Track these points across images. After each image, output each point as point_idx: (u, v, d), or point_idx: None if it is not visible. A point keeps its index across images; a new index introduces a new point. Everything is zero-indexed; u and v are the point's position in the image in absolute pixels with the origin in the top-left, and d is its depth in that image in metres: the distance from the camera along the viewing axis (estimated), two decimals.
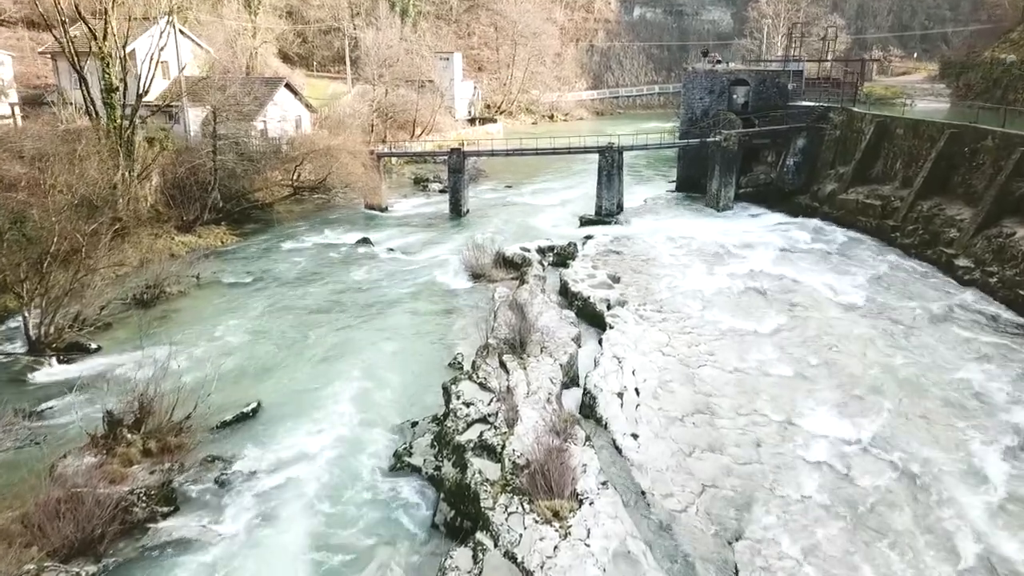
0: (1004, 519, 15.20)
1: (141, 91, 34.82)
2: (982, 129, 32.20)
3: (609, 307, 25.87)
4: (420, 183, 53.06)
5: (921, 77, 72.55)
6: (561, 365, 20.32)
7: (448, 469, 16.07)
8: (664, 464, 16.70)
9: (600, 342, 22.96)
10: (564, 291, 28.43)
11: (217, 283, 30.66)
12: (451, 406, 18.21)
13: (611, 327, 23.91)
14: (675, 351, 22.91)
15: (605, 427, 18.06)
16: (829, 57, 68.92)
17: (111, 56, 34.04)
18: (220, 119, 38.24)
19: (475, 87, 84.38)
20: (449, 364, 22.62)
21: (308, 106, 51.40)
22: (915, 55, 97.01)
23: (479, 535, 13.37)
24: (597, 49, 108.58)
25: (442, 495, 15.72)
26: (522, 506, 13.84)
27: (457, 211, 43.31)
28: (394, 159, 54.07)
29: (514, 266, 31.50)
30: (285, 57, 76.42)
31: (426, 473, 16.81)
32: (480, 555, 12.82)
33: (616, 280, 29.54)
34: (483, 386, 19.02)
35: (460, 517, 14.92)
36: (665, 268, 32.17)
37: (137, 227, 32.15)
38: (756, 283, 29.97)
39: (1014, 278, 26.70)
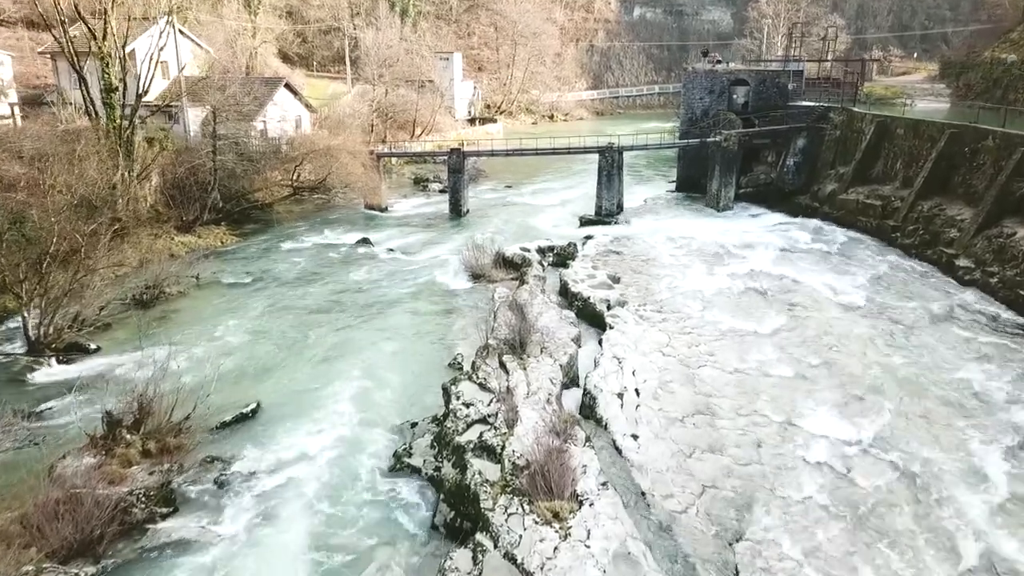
0: (1004, 519, 15.18)
1: (141, 91, 34.80)
2: (982, 129, 32.18)
3: (609, 307, 25.84)
4: (420, 183, 53.04)
5: (921, 77, 72.54)
6: (561, 365, 20.29)
7: (448, 470, 16.05)
8: (664, 465, 16.68)
9: (600, 342, 22.94)
10: (564, 291, 28.40)
11: (217, 283, 30.63)
12: (451, 407, 18.18)
13: (611, 327, 23.88)
14: (675, 351, 22.88)
15: (605, 428, 18.02)
16: (829, 57, 68.92)
17: (111, 56, 34.01)
18: (220, 119, 38.21)
19: (475, 87, 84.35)
20: (449, 364, 22.60)
21: (308, 106, 51.38)
22: (915, 55, 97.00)
23: (479, 536, 13.34)
24: (597, 49, 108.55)
25: (442, 496, 15.71)
26: (522, 507, 13.81)
27: (457, 211, 43.29)
28: (394, 159, 54.05)
29: (514, 266, 31.47)
30: (285, 57, 76.38)
31: (426, 474, 16.79)
32: (480, 556, 12.79)
33: (616, 280, 29.52)
34: (483, 387, 19.00)
35: (460, 518, 14.91)
36: (665, 268, 32.15)
37: (137, 227, 32.13)
38: (756, 283, 29.95)
39: (1014, 278, 26.67)
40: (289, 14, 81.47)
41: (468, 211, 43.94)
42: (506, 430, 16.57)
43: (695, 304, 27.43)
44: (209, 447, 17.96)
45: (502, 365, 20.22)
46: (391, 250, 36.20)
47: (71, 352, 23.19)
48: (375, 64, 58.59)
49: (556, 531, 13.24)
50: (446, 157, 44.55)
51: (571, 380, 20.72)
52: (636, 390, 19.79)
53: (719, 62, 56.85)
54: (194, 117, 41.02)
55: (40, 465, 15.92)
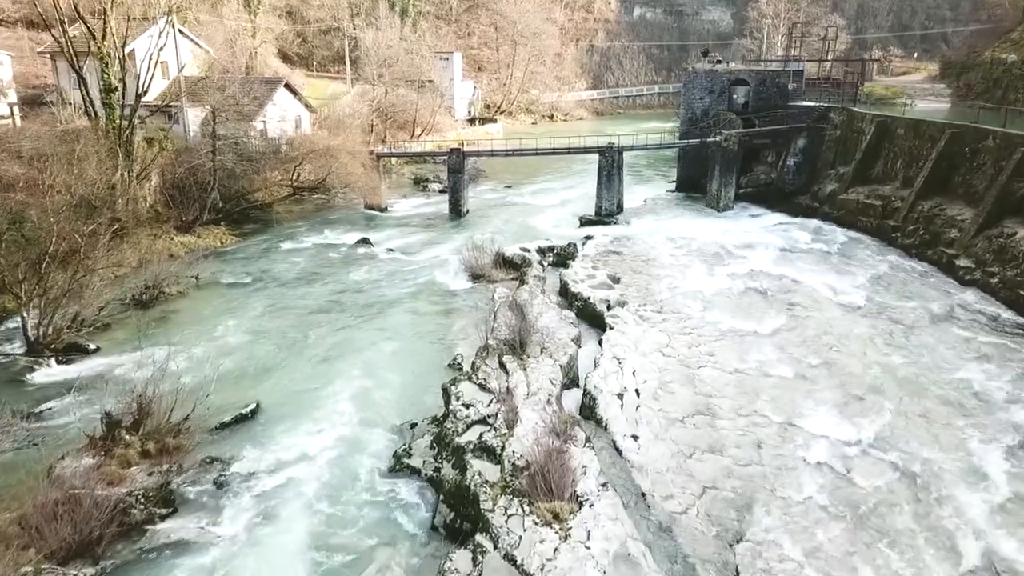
0: (1005, 519, 15.16)
1: (140, 91, 34.76)
2: (983, 129, 32.15)
3: (609, 308, 25.82)
4: (420, 183, 53.00)
5: (921, 77, 72.48)
6: (561, 366, 20.26)
7: (448, 470, 16.02)
8: (664, 465, 16.65)
9: (600, 343, 22.91)
10: (564, 292, 28.37)
11: (216, 283, 30.61)
12: (451, 407, 18.15)
13: (611, 328, 23.85)
14: (675, 352, 22.85)
15: (605, 428, 17.99)
16: (829, 57, 68.88)
17: (110, 56, 33.98)
18: (219, 119, 38.18)
19: (475, 87, 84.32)
20: (449, 365, 22.58)
21: (308, 106, 51.35)
22: (915, 55, 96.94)
23: (479, 537, 13.31)
24: (597, 49, 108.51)
25: (441, 497, 15.68)
26: (522, 508, 13.78)
27: (457, 211, 43.25)
28: (394, 159, 54.02)
29: (514, 266, 31.44)
30: (285, 57, 76.35)
31: (425, 474, 16.76)
32: (480, 557, 12.76)
33: (616, 280, 29.49)
34: (483, 387, 18.97)
35: (460, 519, 14.88)
36: (665, 268, 32.12)
37: (136, 227, 32.08)
38: (756, 283, 29.92)
39: (1015, 278, 26.64)
40: (289, 14, 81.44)
41: (468, 211, 43.91)
42: (506, 431, 16.55)
43: (695, 304, 27.40)
44: (208, 448, 17.93)
45: (502, 365, 20.19)
46: (391, 250, 36.17)
47: (70, 352, 23.18)
48: (375, 64, 58.57)
49: (556, 532, 13.21)
50: (446, 157, 44.52)
51: (571, 380, 20.69)
52: (636, 390, 19.76)
53: (719, 62, 56.80)
54: (194, 117, 40.99)
55: (39, 466, 15.91)
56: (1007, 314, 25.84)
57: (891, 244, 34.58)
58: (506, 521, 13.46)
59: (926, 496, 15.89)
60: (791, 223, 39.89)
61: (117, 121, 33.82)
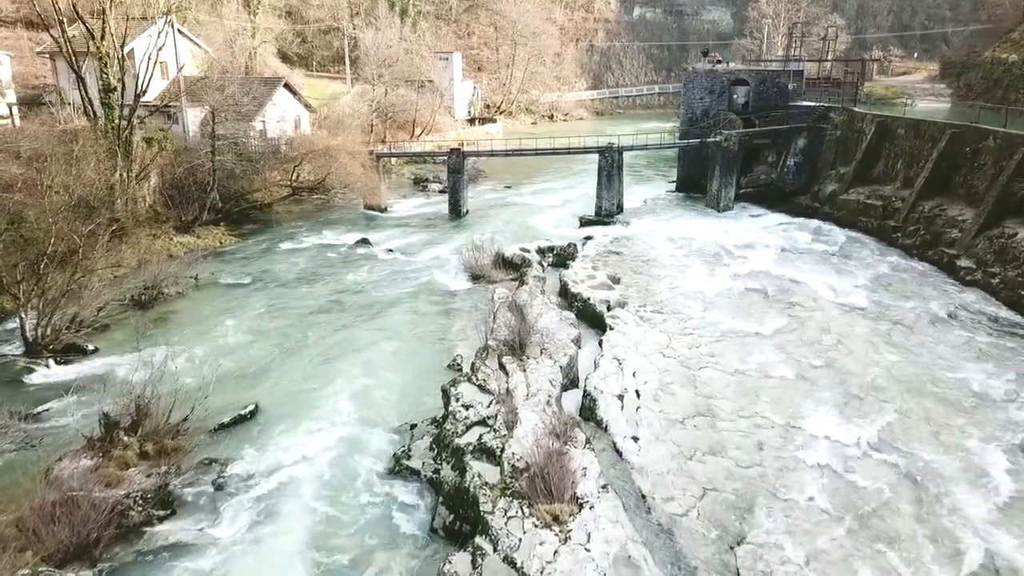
0: (1006, 519, 15.09)
1: (139, 91, 34.72)
2: (983, 129, 32.08)
3: (609, 308, 25.75)
4: (420, 183, 52.95)
5: (921, 77, 72.43)
6: (561, 367, 20.20)
7: (447, 472, 15.94)
8: (665, 467, 16.58)
9: (600, 343, 22.83)
10: (564, 292, 28.31)
11: (215, 284, 30.54)
12: (450, 408, 18.08)
13: (611, 328, 23.79)
14: (676, 353, 22.79)
15: (605, 430, 17.93)
16: (829, 57, 68.85)
17: (109, 56, 33.93)
18: (219, 119, 38.13)
19: (475, 87, 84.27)
20: (448, 366, 22.51)
21: (307, 106, 51.28)
22: (915, 55, 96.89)
23: (478, 539, 13.25)
24: (597, 49, 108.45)
25: (441, 499, 15.61)
26: (521, 510, 13.71)
27: (457, 211, 43.19)
28: (393, 159, 53.96)
29: (514, 267, 31.38)
30: (284, 57, 76.28)
31: (425, 476, 16.70)
32: (479, 560, 12.69)
33: (616, 281, 29.42)
34: (482, 388, 18.90)
35: (459, 521, 14.82)
36: (665, 269, 32.06)
37: (135, 228, 32.03)
38: (757, 284, 29.86)
39: (1016, 279, 26.58)
40: (288, 14, 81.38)
41: (468, 211, 43.84)
42: (505, 432, 16.48)
43: (695, 305, 27.33)
44: (207, 449, 17.88)
45: (502, 366, 20.13)
46: (390, 250, 36.10)
47: (69, 353, 23.12)
48: (375, 64, 58.51)
49: (556, 534, 13.14)
50: (446, 157, 44.45)
51: (571, 381, 20.62)
52: (636, 392, 19.69)
53: (719, 62, 56.75)
54: (193, 117, 40.93)
55: (37, 467, 15.87)
56: (1008, 314, 25.78)
57: (892, 244, 34.52)
58: (506, 523, 13.39)
59: (927, 496, 15.83)
60: (791, 223, 39.83)
61: (116, 121, 33.75)
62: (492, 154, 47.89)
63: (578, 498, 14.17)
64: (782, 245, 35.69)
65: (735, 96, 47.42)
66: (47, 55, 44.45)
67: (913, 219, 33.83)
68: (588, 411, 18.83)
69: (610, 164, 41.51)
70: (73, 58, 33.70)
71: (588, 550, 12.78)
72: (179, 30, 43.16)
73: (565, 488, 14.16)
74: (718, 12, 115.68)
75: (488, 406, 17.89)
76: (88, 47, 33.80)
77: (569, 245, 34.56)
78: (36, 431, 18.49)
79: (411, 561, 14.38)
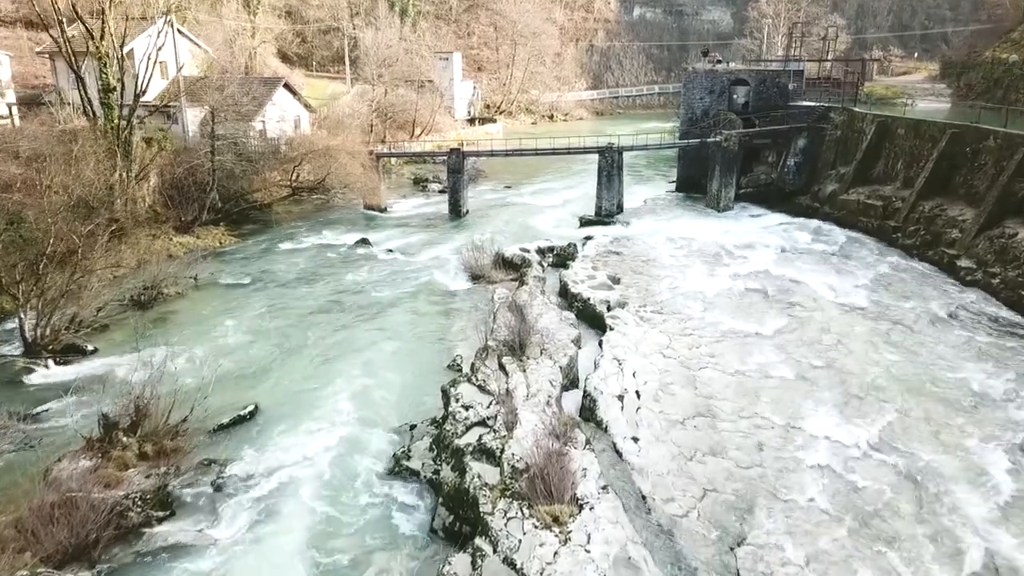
0: (1006, 518, 15.07)
1: (139, 91, 34.68)
2: (984, 129, 32.05)
3: (609, 308, 25.72)
4: (419, 183, 52.91)
5: (922, 77, 72.38)
6: (561, 367, 20.16)
7: (447, 473, 15.91)
8: (665, 468, 16.55)
9: (600, 344, 22.79)
10: (564, 292, 28.28)
11: (215, 284, 30.51)
12: (450, 409, 18.05)
13: (611, 329, 23.76)
14: (676, 353, 22.76)
15: (605, 430, 17.89)
16: (829, 57, 68.80)
17: (108, 56, 33.88)
18: (218, 119, 38.10)
19: (475, 87, 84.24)
20: (448, 366, 22.48)
21: (307, 106, 51.25)
22: (915, 55, 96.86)
23: (478, 540, 13.21)
24: (597, 49, 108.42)
25: (440, 499, 15.58)
26: (521, 511, 13.68)
27: (456, 211, 43.16)
28: (393, 159, 53.92)
29: (513, 267, 31.35)
30: (284, 57, 76.25)
31: (424, 477, 16.67)
32: (479, 561, 12.66)
33: (616, 281, 29.39)
34: (482, 389, 18.87)
35: (459, 522, 14.78)
36: (665, 269, 32.03)
37: (135, 228, 32.01)
38: (757, 284, 29.83)
39: (1016, 279, 26.55)
40: (288, 14, 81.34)
41: (468, 211, 43.81)
42: (505, 433, 16.45)
43: (696, 305, 27.30)
44: (206, 450, 17.84)
45: (501, 367, 20.09)
46: (390, 251, 36.07)
47: (68, 353, 23.09)
48: (374, 64, 58.48)
49: (556, 535, 13.10)
50: (445, 157, 44.41)
51: (571, 382, 20.59)
52: (636, 392, 19.66)
53: (719, 62, 56.73)
54: (193, 117, 40.90)
55: (35, 468, 15.86)
56: (1008, 314, 25.75)
57: (892, 244, 34.49)
58: (505, 524, 13.36)
59: (927, 496, 15.81)
60: (791, 223, 39.80)
61: (115, 121, 33.71)
62: (492, 154, 47.86)
63: (578, 499, 14.14)
64: (782, 245, 35.67)
65: (735, 96, 47.39)
66: (46, 55, 44.43)
67: (913, 219, 33.80)
68: (588, 412, 18.80)
69: (610, 164, 41.48)
70: (72, 58, 33.66)
71: (588, 551, 12.75)
72: (179, 30, 43.13)
73: (565, 489, 14.13)
74: (718, 12, 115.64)
75: (488, 407, 17.85)
76: (87, 47, 33.77)
77: (569, 245, 34.52)
78: (35, 432, 18.46)
79: (411, 562, 14.35)
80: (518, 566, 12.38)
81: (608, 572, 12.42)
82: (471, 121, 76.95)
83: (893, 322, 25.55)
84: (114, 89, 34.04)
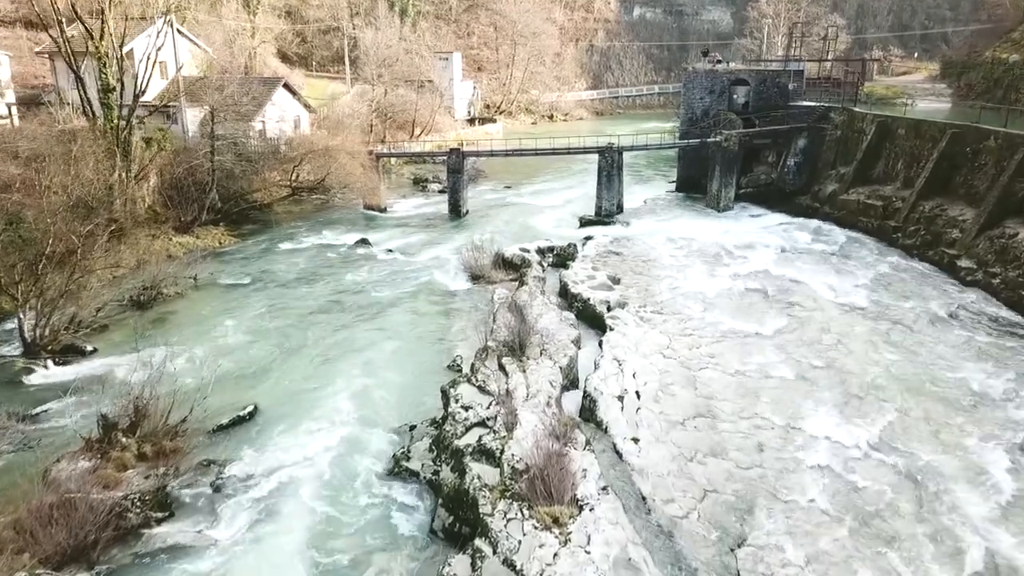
0: (1006, 518, 15.06)
1: (138, 91, 34.65)
2: (984, 129, 32.02)
3: (609, 309, 25.69)
4: (419, 183, 52.89)
5: (922, 77, 72.35)
6: (561, 368, 20.14)
7: (446, 474, 15.89)
8: (665, 469, 16.52)
9: (600, 344, 22.76)
10: (564, 292, 28.24)
11: (215, 284, 30.48)
12: (450, 409, 18.03)
13: (611, 329, 23.72)
14: (676, 353, 22.73)
15: (605, 431, 17.86)
16: (829, 57, 68.77)
17: (108, 56, 33.85)
18: (218, 119, 38.07)
19: (474, 87, 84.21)
20: (448, 366, 22.46)
21: (307, 106, 51.22)
22: (915, 55, 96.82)
23: (478, 541, 13.19)
24: (597, 49, 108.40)
25: (440, 500, 15.55)
26: (521, 512, 13.66)
27: (456, 212, 43.13)
28: (393, 159, 53.89)
29: (513, 267, 31.33)
30: (284, 57, 76.23)
31: (424, 478, 16.64)
32: (479, 562, 12.64)
33: (616, 281, 29.36)
34: (482, 389, 18.84)
35: (458, 523, 14.75)
36: (665, 269, 32.00)
37: (134, 228, 31.98)
38: (757, 284, 29.80)
39: (1017, 279, 26.53)
40: (288, 14, 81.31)
41: (467, 211, 43.78)
42: (505, 433, 16.43)
43: (696, 305, 27.28)
44: (206, 450, 17.82)
45: (501, 367, 20.07)
46: (390, 251, 36.05)
47: (67, 354, 23.07)
48: (374, 64, 58.45)
49: (556, 536, 13.08)
50: (445, 157, 44.39)
51: (571, 382, 20.56)
52: (637, 392, 19.63)
53: (719, 62, 56.70)
54: (192, 117, 40.87)
55: (34, 469, 15.80)
56: (1008, 314, 25.73)
57: (892, 245, 34.47)
58: (505, 525, 13.34)
59: (927, 496, 15.79)
60: (791, 223, 39.77)
61: (115, 121, 33.68)
62: (492, 154, 47.83)
63: (578, 500, 14.12)
64: (782, 245, 35.64)
65: (735, 96, 47.36)
66: (46, 55, 44.36)
67: (913, 219, 33.78)
68: (588, 412, 18.77)
69: (610, 164, 41.45)
70: (72, 58, 33.63)
71: (588, 552, 12.73)
72: (178, 30, 43.08)
73: (565, 490, 14.11)
74: (718, 12, 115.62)
75: (488, 407, 17.83)
76: (87, 47, 33.74)
77: (569, 245, 34.49)
78: (34, 432, 18.43)
79: (410, 563, 14.32)
80: (518, 567, 12.36)
81: (608, 573, 12.40)
82: (471, 121, 76.91)
83: (893, 322, 25.53)
84: (113, 89, 34.02)
